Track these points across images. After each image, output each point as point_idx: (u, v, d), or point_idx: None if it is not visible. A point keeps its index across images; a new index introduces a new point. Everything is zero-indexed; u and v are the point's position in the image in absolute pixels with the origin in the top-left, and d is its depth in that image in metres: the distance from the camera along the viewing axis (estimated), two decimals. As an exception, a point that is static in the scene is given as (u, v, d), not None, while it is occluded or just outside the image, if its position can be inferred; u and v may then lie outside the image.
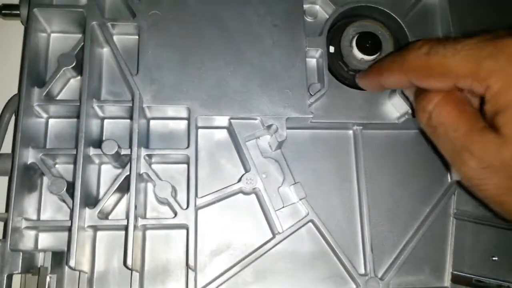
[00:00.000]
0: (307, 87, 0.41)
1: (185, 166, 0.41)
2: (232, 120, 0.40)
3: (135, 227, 0.35)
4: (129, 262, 0.33)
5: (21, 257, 0.33)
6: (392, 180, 0.43)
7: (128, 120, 0.41)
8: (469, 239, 0.42)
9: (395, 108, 0.42)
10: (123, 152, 0.37)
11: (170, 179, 0.40)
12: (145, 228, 0.39)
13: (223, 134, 0.43)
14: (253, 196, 0.41)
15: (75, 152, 0.36)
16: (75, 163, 0.36)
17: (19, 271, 0.32)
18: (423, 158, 0.44)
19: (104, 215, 0.38)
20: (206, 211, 0.41)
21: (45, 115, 0.40)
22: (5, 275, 0.33)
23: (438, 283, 0.41)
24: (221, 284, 0.38)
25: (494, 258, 0.41)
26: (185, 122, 0.41)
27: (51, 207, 0.39)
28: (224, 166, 0.42)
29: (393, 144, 0.44)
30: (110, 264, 0.38)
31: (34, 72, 0.38)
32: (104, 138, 0.40)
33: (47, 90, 0.38)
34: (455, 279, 0.41)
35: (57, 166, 0.40)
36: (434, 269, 0.41)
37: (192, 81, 0.40)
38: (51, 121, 0.41)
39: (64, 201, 0.38)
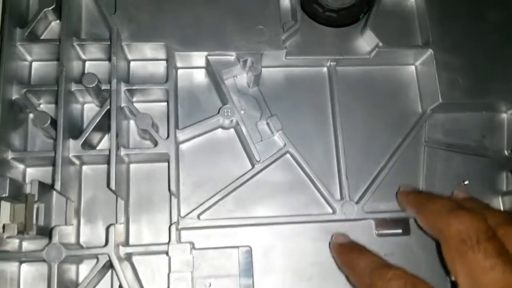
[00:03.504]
0: (281, 25, 0.43)
1: (166, 105, 0.42)
2: (209, 57, 0.42)
3: (118, 155, 0.37)
4: (112, 184, 0.35)
5: (8, 182, 0.34)
6: (366, 112, 0.44)
7: (109, 62, 0.42)
8: (440, 166, 0.44)
9: (366, 42, 0.44)
10: (103, 87, 0.39)
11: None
12: (129, 160, 0.40)
13: (201, 77, 0.44)
14: (231, 133, 0.43)
15: (57, 88, 0.38)
16: (57, 101, 0.38)
17: (6, 195, 0.34)
18: (395, 92, 0.45)
19: (90, 148, 0.39)
20: (188, 147, 0.42)
21: (29, 58, 0.41)
22: (-7, 198, 0.34)
23: (411, 208, 0.42)
24: (203, 212, 0.40)
25: (465, 183, 0.43)
26: (165, 64, 0.43)
27: (38, 145, 0.40)
28: (203, 105, 0.43)
29: (366, 79, 0.45)
30: (96, 197, 0.40)
31: (16, 14, 0.40)
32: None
33: (29, 30, 0.39)
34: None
35: (41, 106, 0.41)
36: (407, 194, 0.43)
37: (169, 19, 0.41)
38: (34, 64, 0.42)
39: (50, 137, 0.39)
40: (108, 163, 0.37)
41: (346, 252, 0.38)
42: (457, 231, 0.31)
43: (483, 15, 0.44)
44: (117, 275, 0.34)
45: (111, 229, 0.35)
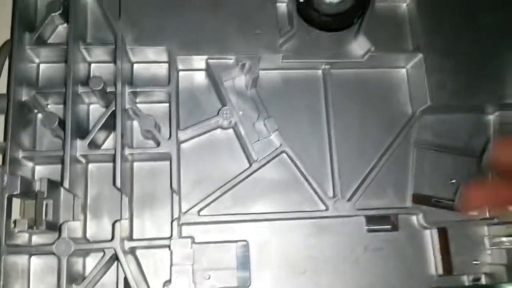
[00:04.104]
0: (278, 30, 0.45)
1: (168, 106, 0.44)
2: (209, 61, 0.44)
3: (122, 155, 0.39)
4: (118, 183, 0.37)
5: (19, 181, 0.36)
6: (359, 113, 0.47)
7: (114, 65, 0.44)
8: (429, 165, 0.46)
9: (359, 46, 0.46)
10: (109, 89, 0.41)
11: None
12: (132, 158, 0.42)
13: (202, 78, 0.46)
14: (230, 133, 0.45)
15: (65, 90, 0.40)
16: (65, 102, 0.40)
17: (18, 192, 0.36)
18: (387, 94, 0.48)
19: (95, 147, 0.41)
20: (189, 146, 0.44)
21: (36, 60, 0.43)
22: (6, 196, 0.36)
23: (400, 205, 0.45)
24: (202, 208, 0.42)
25: (452, 181, 0.45)
26: (166, 66, 0.45)
27: (46, 144, 0.43)
28: (204, 106, 0.45)
29: (359, 81, 0.47)
30: (101, 193, 0.42)
31: (25, 19, 0.42)
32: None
33: (37, 34, 0.41)
34: (415, 200, 0.44)
35: (49, 106, 0.43)
36: (396, 192, 0.45)
37: (171, 24, 0.43)
38: (42, 66, 0.44)
39: (57, 136, 0.42)
40: (114, 161, 0.39)
41: None
42: None
43: (472, 22, 0.46)
44: (122, 267, 0.36)
45: (117, 224, 0.37)
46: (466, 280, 0.43)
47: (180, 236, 0.40)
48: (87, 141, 0.40)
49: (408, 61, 0.47)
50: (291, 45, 0.45)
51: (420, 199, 0.45)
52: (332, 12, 0.46)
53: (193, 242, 0.40)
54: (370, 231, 0.44)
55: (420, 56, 0.45)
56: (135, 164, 0.43)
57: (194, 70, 0.46)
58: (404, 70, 0.48)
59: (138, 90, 0.42)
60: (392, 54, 0.46)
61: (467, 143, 0.47)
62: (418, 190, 0.45)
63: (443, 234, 0.44)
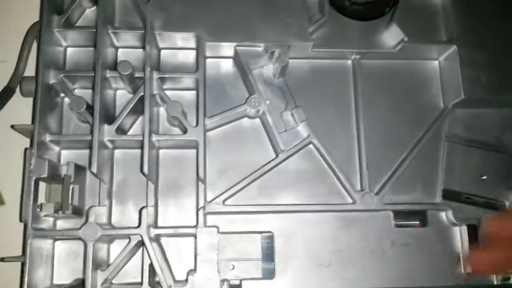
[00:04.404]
0: (309, 18, 0.44)
1: (195, 94, 0.43)
2: (237, 48, 0.43)
3: (150, 141, 0.38)
4: (145, 169, 0.37)
5: (47, 164, 0.36)
6: (388, 105, 0.45)
7: (141, 50, 0.43)
8: (459, 160, 0.45)
9: (391, 36, 0.45)
10: (136, 74, 0.40)
11: (181, 105, 0.42)
12: (159, 145, 0.42)
13: (228, 66, 0.45)
14: (257, 122, 0.44)
15: (93, 74, 0.39)
16: (93, 87, 0.39)
17: (46, 175, 0.36)
18: (418, 86, 0.46)
19: (122, 133, 0.41)
20: (215, 134, 0.44)
21: (64, 43, 0.43)
22: (33, 179, 0.36)
23: (429, 200, 0.44)
24: (228, 198, 0.42)
25: (483, 178, 0.44)
26: (194, 53, 0.44)
27: (72, 128, 0.42)
28: (230, 95, 0.45)
29: (390, 73, 0.46)
30: (126, 180, 0.42)
31: (53, 1, 0.41)
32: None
33: (65, 17, 0.41)
34: (445, 196, 0.43)
35: (76, 91, 0.43)
36: (426, 187, 0.44)
37: (200, 10, 0.42)
38: (69, 50, 0.44)
39: (83, 120, 0.41)
40: (141, 148, 0.38)
41: None
42: None
43: (508, 13, 0.45)
44: (148, 254, 0.36)
45: (144, 211, 0.37)
46: (495, 278, 0.42)
47: (205, 225, 0.39)
48: (115, 126, 0.39)
49: (441, 53, 0.46)
50: (321, 34, 0.44)
51: (450, 195, 0.43)
52: (363, 0, 0.45)
53: (218, 231, 0.40)
54: (398, 226, 0.43)
55: (453, 48, 0.44)
56: (161, 151, 0.43)
57: (221, 58, 0.45)
58: (436, 62, 0.47)
59: (166, 76, 0.41)
60: (425, 45, 0.45)
61: (498, 139, 0.45)
62: (448, 185, 0.44)
63: (472, 231, 0.42)
